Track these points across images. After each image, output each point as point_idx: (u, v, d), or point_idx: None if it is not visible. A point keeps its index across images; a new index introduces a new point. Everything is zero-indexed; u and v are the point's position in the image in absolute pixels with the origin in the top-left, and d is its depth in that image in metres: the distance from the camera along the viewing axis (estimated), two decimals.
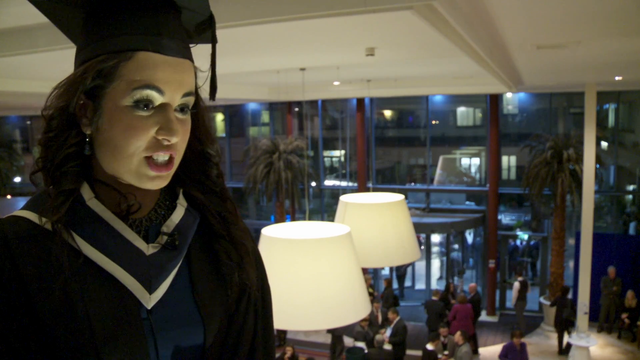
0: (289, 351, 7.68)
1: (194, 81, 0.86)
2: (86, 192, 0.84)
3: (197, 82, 0.87)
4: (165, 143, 0.80)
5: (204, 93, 0.91)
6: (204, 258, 0.94)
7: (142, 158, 0.80)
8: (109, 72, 0.79)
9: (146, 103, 0.79)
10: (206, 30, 0.89)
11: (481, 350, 9.69)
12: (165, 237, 0.88)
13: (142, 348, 0.82)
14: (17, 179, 12.97)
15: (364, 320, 8.05)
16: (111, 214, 0.84)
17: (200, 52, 0.92)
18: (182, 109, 0.83)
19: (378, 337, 7.87)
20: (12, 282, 0.77)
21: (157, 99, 0.80)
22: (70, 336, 0.78)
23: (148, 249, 0.86)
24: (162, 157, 0.81)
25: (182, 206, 0.93)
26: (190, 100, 0.85)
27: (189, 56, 0.85)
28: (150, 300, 0.84)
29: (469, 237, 13.73)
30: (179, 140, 0.82)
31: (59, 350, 0.78)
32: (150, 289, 0.84)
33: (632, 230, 11.74)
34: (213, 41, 0.89)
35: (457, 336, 7.75)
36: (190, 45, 0.88)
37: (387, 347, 8.05)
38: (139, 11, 0.80)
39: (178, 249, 0.88)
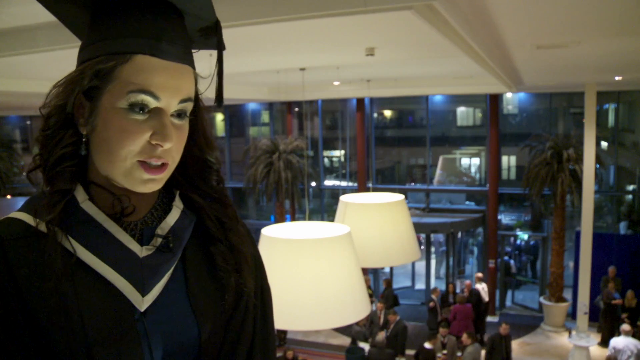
0: (290, 355, 7.67)
1: (193, 87, 0.85)
2: (80, 194, 0.84)
3: (197, 88, 0.87)
4: (159, 149, 0.80)
5: (208, 95, 0.90)
6: (200, 261, 0.93)
7: (136, 162, 0.80)
8: (106, 73, 0.78)
9: (141, 107, 0.79)
10: (211, 36, 0.89)
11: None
12: (159, 240, 0.87)
13: (136, 350, 0.81)
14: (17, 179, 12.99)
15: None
16: (105, 216, 0.84)
17: (200, 56, 0.92)
18: (179, 114, 0.83)
19: (378, 337, 7.87)
20: (6, 283, 0.77)
21: (153, 103, 0.79)
22: (64, 337, 0.78)
23: (142, 251, 0.85)
24: (154, 162, 0.81)
25: (178, 208, 0.92)
26: (188, 106, 0.84)
27: (189, 62, 0.84)
28: (143, 303, 0.83)
29: (469, 237, 13.73)
30: (173, 147, 0.82)
31: (52, 351, 0.78)
32: (143, 292, 0.83)
33: (622, 229, 11.79)
34: (219, 48, 0.89)
35: (464, 337, 7.74)
36: (193, 51, 0.87)
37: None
38: (139, 14, 0.80)
39: (172, 251, 0.88)
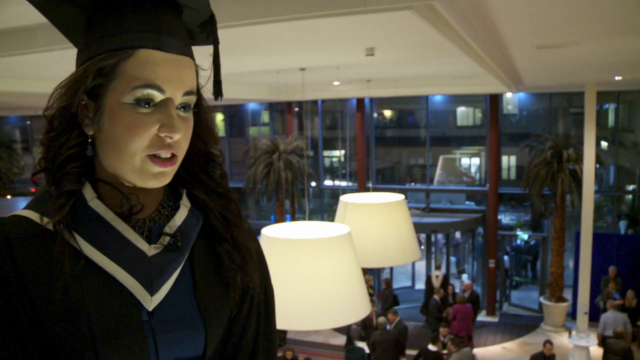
0: (289, 355, 7.67)
1: (195, 79, 0.85)
2: (88, 193, 0.84)
3: (199, 81, 0.87)
4: (168, 140, 0.80)
5: (207, 93, 0.90)
6: (207, 260, 0.93)
7: (145, 156, 0.80)
8: (109, 71, 0.78)
9: (147, 101, 0.79)
10: (208, 31, 0.89)
11: (481, 350, 9.69)
12: (167, 238, 0.87)
13: (142, 350, 0.81)
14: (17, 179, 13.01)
15: None
16: (113, 214, 0.84)
17: (200, 50, 0.92)
18: (183, 107, 0.83)
19: (381, 319, 7.86)
20: (13, 282, 0.77)
21: (158, 97, 0.79)
22: (70, 337, 0.77)
23: (150, 250, 0.85)
24: (164, 154, 0.81)
25: (186, 207, 0.92)
26: (192, 98, 0.84)
27: (189, 54, 0.85)
28: (151, 302, 0.83)
29: (469, 237, 13.73)
30: (181, 138, 0.82)
31: (59, 351, 0.78)
32: (152, 291, 0.83)
33: (622, 229, 11.81)
34: (215, 42, 0.89)
35: (449, 344, 7.67)
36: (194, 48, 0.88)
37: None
38: (138, 9, 0.80)
39: (180, 250, 0.88)
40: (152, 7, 0.81)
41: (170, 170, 0.83)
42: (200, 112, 0.90)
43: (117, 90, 0.78)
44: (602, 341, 7.99)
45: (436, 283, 10.82)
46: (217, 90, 0.90)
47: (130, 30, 0.79)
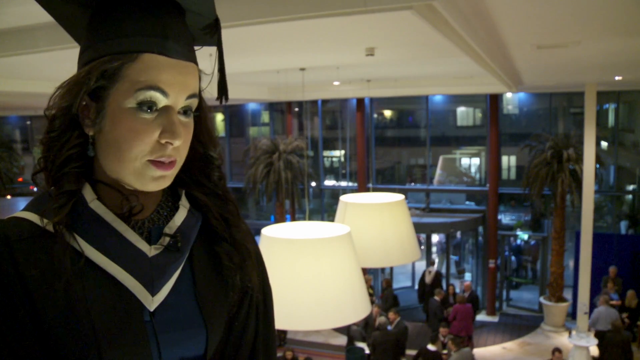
0: (289, 355, 7.67)
1: (197, 83, 0.85)
2: (88, 194, 0.84)
3: (200, 85, 0.87)
4: (169, 148, 0.80)
5: (209, 94, 0.90)
6: (206, 260, 0.93)
7: (146, 161, 0.80)
8: (113, 73, 0.78)
9: (150, 105, 0.79)
10: (212, 34, 0.89)
11: (481, 350, 9.69)
12: (167, 239, 0.87)
13: (145, 350, 0.81)
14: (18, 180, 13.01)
15: None
16: (113, 215, 0.84)
17: (201, 53, 0.92)
18: (185, 111, 0.83)
19: (381, 319, 7.85)
20: (14, 283, 0.77)
21: (161, 100, 0.79)
22: (73, 338, 0.77)
23: (150, 251, 0.85)
24: (164, 159, 0.81)
25: (185, 207, 0.92)
26: (194, 102, 0.84)
27: (193, 59, 0.85)
28: (152, 303, 0.83)
29: (469, 237, 13.73)
30: (182, 144, 0.82)
31: (61, 352, 0.78)
32: (153, 291, 0.83)
33: (623, 229, 11.81)
34: (219, 45, 0.89)
35: (449, 344, 7.67)
36: (195, 48, 0.88)
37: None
38: (144, 13, 0.80)
39: (180, 250, 0.88)
40: (157, 10, 0.81)
41: (170, 174, 0.83)
42: (201, 116, 0.90)
43: (120, 93, 0.78)
44: (601, 336, 8.09)
45: (428, 279, 10.94)
46: (224, 93, 0.90)
47: (136, 33, 0.79)
